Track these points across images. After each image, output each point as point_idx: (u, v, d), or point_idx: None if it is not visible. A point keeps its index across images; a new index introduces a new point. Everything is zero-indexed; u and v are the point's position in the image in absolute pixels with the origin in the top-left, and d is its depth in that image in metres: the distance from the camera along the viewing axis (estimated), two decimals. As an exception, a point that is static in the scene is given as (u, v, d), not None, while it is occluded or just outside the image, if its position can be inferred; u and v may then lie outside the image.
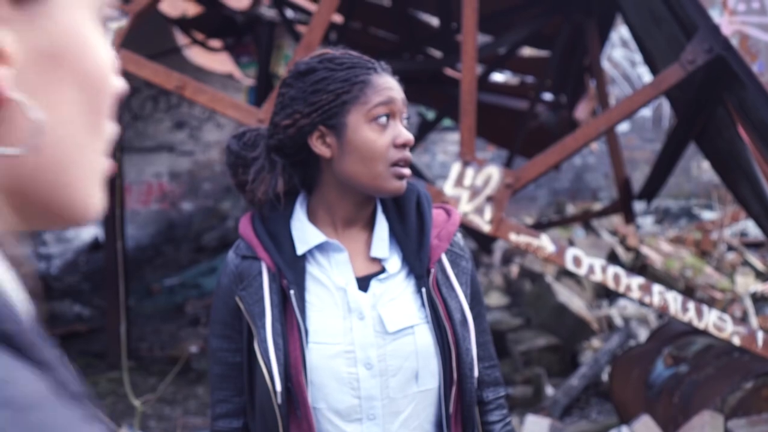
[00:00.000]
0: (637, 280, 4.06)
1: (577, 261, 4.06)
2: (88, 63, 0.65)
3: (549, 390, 6.11)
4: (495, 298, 8.62)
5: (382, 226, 1.92)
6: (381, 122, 1.82)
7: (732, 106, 4.55)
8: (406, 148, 1.84)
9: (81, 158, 0.65)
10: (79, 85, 0.64)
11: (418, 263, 1.89)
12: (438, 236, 1.94)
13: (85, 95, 0.65)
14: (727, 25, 3.92)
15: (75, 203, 0.66)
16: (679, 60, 4.10)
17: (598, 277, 4.06)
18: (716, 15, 3.97)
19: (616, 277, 4.04)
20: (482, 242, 9.02)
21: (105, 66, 0.67)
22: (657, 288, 4.04)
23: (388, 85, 1.84)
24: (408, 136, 1.84)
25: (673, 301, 4.01)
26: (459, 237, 2.00)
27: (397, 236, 1.92)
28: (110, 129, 0.69)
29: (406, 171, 1.85)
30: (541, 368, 6.32)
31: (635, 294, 4.04)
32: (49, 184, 0.63)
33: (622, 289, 4.04)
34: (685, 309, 4.00)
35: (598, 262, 4.08)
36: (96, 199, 0.68)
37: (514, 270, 9.22)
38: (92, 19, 0.66)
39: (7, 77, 0.58)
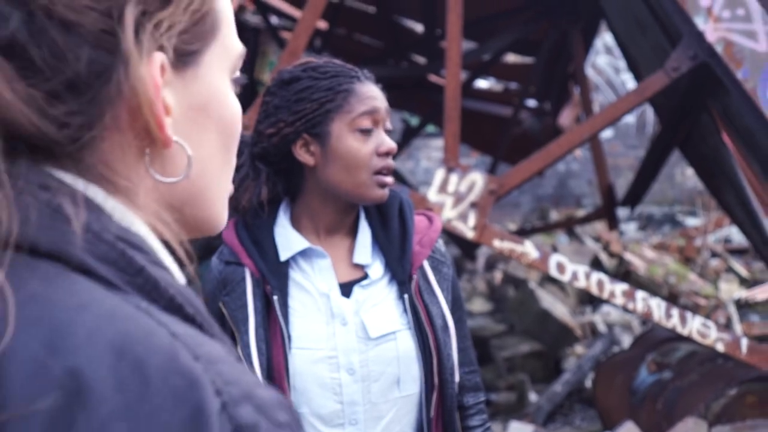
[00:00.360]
0: (620, 287, 4.06)
1: (560, 267, 4.06)
2: (224, 114, 0.83)
3: (532, 396, 6.11)
4: (478, 305, 8.61)
5: (364, 232, 1.93)
6: (364, 131, 1.83)
7: (716, 113, 4.57)
8: (389, 156, 1.85)
9: (217, 184, 0.85)
10: (217, 129, 0.82)
11: (400, 269, 1.89)
12: (420, 242, 1.94)
13: (221, 137, 0.83)
14: (711, 32, 3.92)
15: (211, 217, 0.85)
16: (663, 67, 4.10)
17: (581, 283, 4.07)
18: (701, 22, 3.97)
19: (600, 284, 4.05)
20: (466, 248, 9.02)
21: (236, 115, 0.85)
22: (641, 294, 4.05)
23: (371, 94, 1.85)
24: (391, 144, 1.85)
25: (657, 307, 4.01)
26: (440, 243, 2.01)
27: (379, 243, 1.92)
28: (234, 163, 0.89)
29: (389, 179, 1.86)
30: (524, 374, 6.33)
31: (619, 300, 4.04)
32: (196, 203, 0.83)
33: (605, 295, 4.04)
34: (668, 315, 4.01)
35: (582, 269, 4.08)
36: (224, 215, 0.88)
37: (497, 276, 9.21)
38: (227, 79, 0.84)
39: (170, 125, 0.75)
